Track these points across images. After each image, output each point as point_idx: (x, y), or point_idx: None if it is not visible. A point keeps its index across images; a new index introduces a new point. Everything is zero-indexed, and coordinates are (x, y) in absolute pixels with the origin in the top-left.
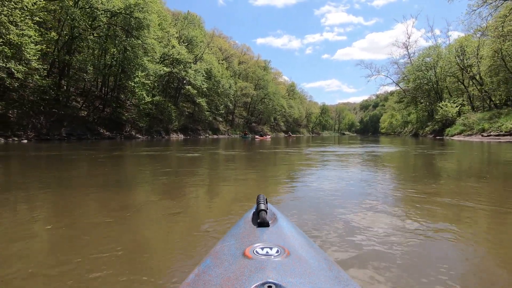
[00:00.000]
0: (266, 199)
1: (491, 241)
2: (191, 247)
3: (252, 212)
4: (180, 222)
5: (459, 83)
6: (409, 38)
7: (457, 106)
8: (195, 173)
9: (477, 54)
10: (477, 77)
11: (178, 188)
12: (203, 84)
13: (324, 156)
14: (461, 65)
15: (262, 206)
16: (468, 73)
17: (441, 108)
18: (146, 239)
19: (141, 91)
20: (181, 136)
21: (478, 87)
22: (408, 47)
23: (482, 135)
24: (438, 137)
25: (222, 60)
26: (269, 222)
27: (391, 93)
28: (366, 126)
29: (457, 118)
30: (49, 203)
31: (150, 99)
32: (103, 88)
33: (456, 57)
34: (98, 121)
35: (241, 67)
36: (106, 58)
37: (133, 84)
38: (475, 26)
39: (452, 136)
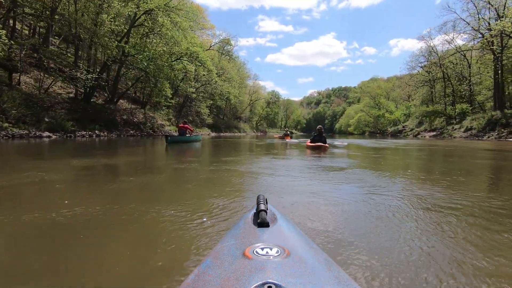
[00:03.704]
0: (266, 200)
1: None
2: None
3: (252, 212)
4: None
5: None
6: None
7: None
8: None
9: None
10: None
11: None
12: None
13: None
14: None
15: (262, 206)
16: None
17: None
18: None
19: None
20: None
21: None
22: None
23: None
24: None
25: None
26: (269, 222)
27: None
28: (310, 124)
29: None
30: None
31: None
32: None
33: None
34: None
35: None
36: None
37: None
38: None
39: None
